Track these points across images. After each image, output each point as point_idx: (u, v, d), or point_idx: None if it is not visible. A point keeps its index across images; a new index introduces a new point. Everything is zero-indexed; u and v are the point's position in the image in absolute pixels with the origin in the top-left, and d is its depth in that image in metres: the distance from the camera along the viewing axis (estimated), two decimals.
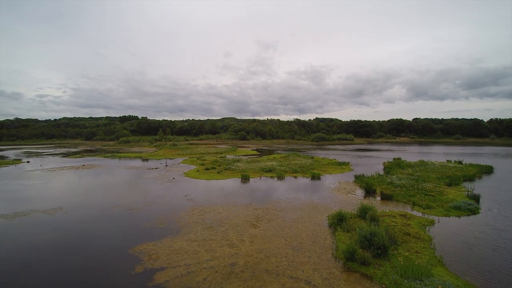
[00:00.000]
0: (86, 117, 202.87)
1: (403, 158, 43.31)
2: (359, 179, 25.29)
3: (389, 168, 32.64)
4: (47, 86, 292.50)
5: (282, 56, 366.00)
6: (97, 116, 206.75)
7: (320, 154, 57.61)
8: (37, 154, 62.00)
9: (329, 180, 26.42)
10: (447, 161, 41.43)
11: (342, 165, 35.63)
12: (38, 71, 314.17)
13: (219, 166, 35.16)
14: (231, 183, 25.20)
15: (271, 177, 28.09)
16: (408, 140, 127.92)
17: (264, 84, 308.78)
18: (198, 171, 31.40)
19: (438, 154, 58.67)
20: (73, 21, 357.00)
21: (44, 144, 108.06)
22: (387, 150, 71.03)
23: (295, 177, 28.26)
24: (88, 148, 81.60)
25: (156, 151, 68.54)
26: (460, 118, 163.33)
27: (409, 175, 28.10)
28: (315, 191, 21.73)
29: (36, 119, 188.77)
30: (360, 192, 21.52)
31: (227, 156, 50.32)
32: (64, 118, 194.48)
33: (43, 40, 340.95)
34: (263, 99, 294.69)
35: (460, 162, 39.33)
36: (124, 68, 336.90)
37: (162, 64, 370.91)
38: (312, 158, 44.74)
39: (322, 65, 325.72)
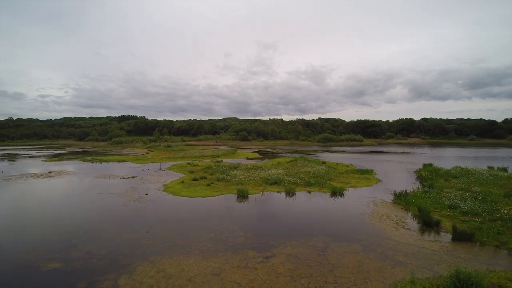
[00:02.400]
0: (87, 117, 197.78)
1: (429, 163, 35.95)
2: (402, 199, 18.11)
3: (429, 179, 25.39)
4: (49, 86, 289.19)
5: (282, 56, 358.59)
6: (98, 116, 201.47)
7: (331, 157, 50.41)
8: (16, 157, 55.55)
9: (357, 198, 19.28)
10: (489, 168, 34.15)
11: (365, 174, 28.45)
12: (39, 72, 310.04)
13: (211, 174, 28.12)
14: (222, 203, 18.14)
15: (278, 192, 21.03)
16: (420, 141, 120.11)
17: (265, 84, 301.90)
18: (182, 182, 24.38)
19: (465, 158, 51.21)
20: (73, 22, 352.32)
21: (33, 145, 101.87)
22: (403, 152, 63.58)
23: (309, 192, 21.17)
24: (76, 150, 75.04)
25: (147, 153, 61.75)
26: (465, 118, 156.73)
27: (463, 190, 20.92)
28: (344, 221, 14.60)
29: (37, 119, 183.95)
30: (412, 222, 14.41)
31: (224, 160, 43.26)
32: (64, 118, 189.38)
33: (43, 41, 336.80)
34: (264, 99, 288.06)
35: (504, 169, 32.19)
36: (124, 68, 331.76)
37: (162, 64, 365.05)
38: (324, 163, 37.62)
39: (322, 65, 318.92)
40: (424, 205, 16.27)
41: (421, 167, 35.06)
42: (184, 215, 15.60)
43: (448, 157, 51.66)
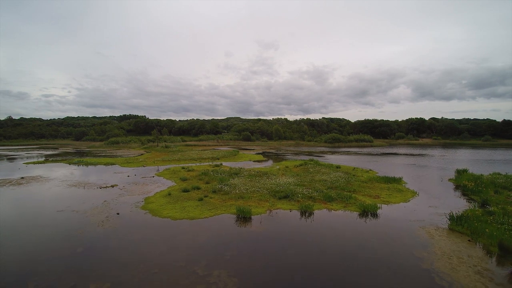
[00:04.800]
0: (90, 116, 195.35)
1: (463, 169, 30.63)
2: (464, 225, 13.09)
3: (478, 191, 20.28)
4: (52, 86, 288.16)
5: (283, 56, 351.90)
6: (101, 116, 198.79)
7: (342, 160, 45.32)
8: (1, 158, 51.39)
9: (399, 222, 14.32)
10: None
11: (394, 183, 23.41)
12: (43, 71, 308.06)
13: (206, 183, 23.34)
14: (215, 230, 13.26)
15: (290, 210, 16.13)
16: (432, 142, 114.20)
17: (267, 84, 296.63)
18: (169, 194, 19.54)
19: (490, 161, 45.75)
20: (76, 22, 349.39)
21: (28, 145, 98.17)
22: (420, 154, 58.17)
23: (330, 210, 16.25)
24: (68, 150, 70.88)
25: (142, 154, 57.21)
26: (472, 118, 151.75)
27: None
28: (397, 269, 9.61)
29: (39, 118, 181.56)
30: (497, 269, 9.47)
31: (224, 163, 38.46)
32: (67, 117, 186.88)
33: (46, 41, 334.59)
34: (266, 99, 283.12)
35: None
36: (125, 68, 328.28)
37: (163, 64, 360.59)
38: (339, 167, 32.64)
39: (324, 65, 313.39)
40: (501, 236, 11.28)
41: (455, 174, 29.94)
42: (157, 254, 10.76)
43: (472, 160, 46.18)
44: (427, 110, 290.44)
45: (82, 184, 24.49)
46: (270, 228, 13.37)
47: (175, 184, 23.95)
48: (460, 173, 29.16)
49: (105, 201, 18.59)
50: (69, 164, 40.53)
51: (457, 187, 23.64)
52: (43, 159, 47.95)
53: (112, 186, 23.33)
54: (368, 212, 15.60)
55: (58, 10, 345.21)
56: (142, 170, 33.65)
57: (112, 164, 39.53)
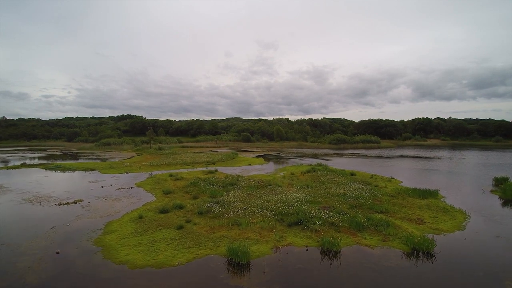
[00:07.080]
0: (89, 117, 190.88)
1: (502, 176, 25.72)
2: None
3: None
4: (52, 87, 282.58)
5: (283, 56, 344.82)
6: (101, 116, 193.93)
7: (353, 164, 40.48)
8: None
9: (470, 269, 9.49)
10: None
11: (430, 198, 18.51)
12: (43, 72, 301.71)
13: (194, 198, 18.52)
14: None
15: (306, 247, 11.30)
16: (441, 143, 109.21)
17: (267, 84, 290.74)
18: (140, 218, 14.66)
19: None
20: (76, 22, 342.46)
21: (17, 146, 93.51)
22: (436, 157, 53.27)
23: (362, 245, 11.42)
24: (56, 152, 66.20)
25: (132, 157, 52.42)
26: (474, 118, 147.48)
27: None
28: None
29: (38, 119, 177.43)
30: None
31: (219, 169, 33.62)
32: (65, 118, 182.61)
33: (46, 41, 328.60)
34: (266, 99, 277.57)
35: None
36: (125, 68, 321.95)
37: (163, 64, 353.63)
38: (354, 175, 27.84)
39: (324, 65, 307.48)
40: None
41: (493, 182, 25.18)
42: None
43: (494, 165, 41.17)
44: (428, 110, 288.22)
45: (41, 199, 19.66)
46: (279, 286, 8.52)
47: (155, 199, 19.10)
48: (500, 182, 24.38)
49: (53, 227, 13.77)
50: (45, 169, 35.78)
51: (506, 202, 18.86)
52: (20, 162, 43.26)
53: (75, 202, 18.50)
54: (419, 250, 10.76)
55: (58, 10, 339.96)
56: (124, 177, 28.83)
57: (93, 169, 34.69)
